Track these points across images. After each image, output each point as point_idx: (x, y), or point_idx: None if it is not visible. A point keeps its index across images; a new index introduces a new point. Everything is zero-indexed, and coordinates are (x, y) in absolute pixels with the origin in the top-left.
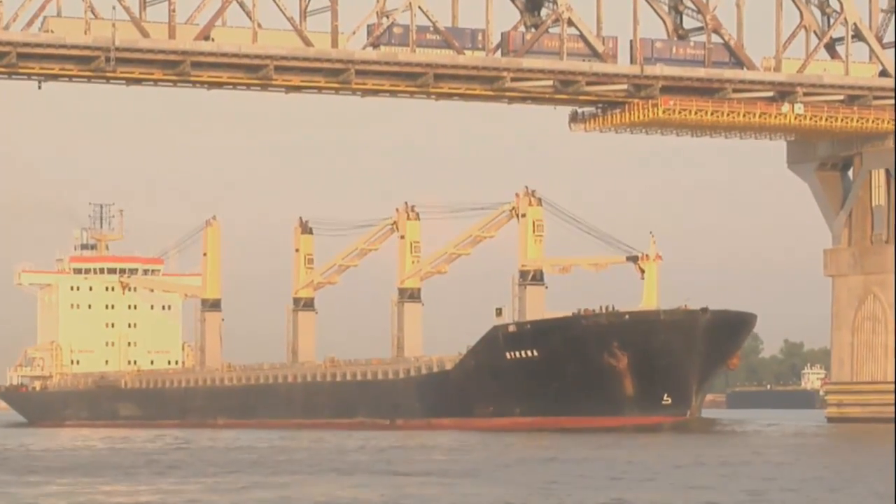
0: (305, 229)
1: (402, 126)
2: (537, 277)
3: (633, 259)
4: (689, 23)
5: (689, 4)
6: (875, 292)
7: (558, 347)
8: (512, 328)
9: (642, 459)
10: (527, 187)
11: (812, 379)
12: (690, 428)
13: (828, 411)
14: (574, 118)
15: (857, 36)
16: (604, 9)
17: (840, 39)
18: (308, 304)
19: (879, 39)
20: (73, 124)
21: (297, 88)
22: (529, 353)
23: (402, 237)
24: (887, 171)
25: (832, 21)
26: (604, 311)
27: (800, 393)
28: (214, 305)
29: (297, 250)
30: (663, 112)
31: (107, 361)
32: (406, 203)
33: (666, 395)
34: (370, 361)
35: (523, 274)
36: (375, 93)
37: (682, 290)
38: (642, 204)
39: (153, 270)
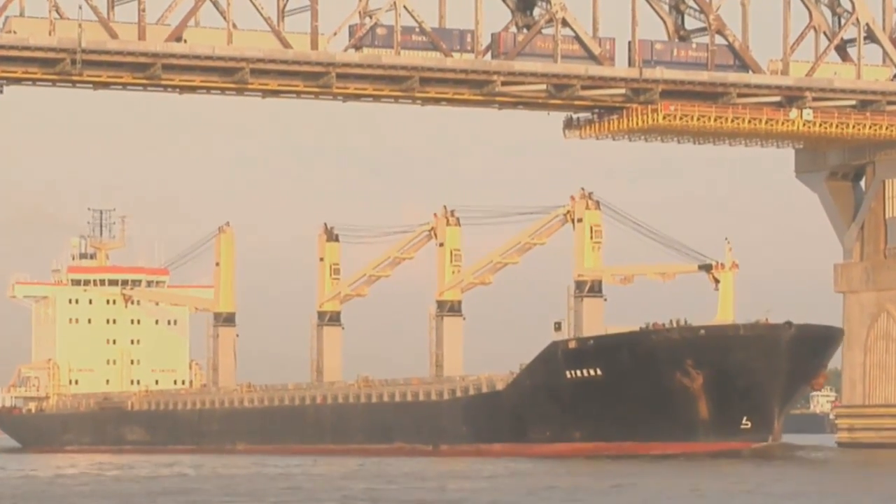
0: (331, 237)
1: (387, 132)
2: (595, 288)
3: (706, 268)
4: (690, 23)
5: (691, 4)
6: (889, 309)
7: (625, 366)
8: (573, 344)
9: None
10: (583, 189)
11: (822, 402)
12: (772, 455)
13: (838, 436)
14: (569, 124)
15: (870, 37)
16: (600, 8)
17: (852, 41)
18: (334, 319)
19: (894, 41)
20: (39, 130)
21: (275, 93)
22: (592, 371)
23: (441, 245)
24: None
25: (843, 21)
26: (675, 325)
27: (808, 416)
28: (228, 320)
29: (321, 259)
30: (663, 118)
31: (108, 381)
32: (445, 207)
33: (745, 419)
34: (409, 381)
35: (579, 285)
36: (357, 97)
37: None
38: (641, 215)
39: (158, 282)
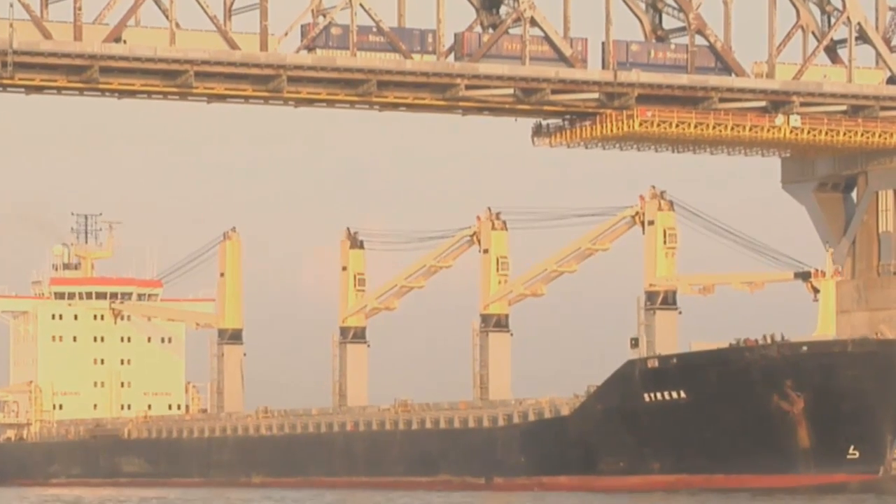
0: (355, 243)
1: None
2: (669, 300)
3: (804, 276)
4: (669, 23)
5: (670, 2)
6: (882, 331)
7: (714, 387)
8: (653, 363)
9: None
10: (653, 187)
11: None
12: (884, 489)
13: None
14: (538, 131)
15: (862, 38)
16: (572, 7)
17: (842, 42)
18: (359, 335)
19: (887, 41)
20: (11, 132)
21: (221, 97)
22: (675, 394)
23: (486, 251)
24: None
25: (833, 21)
26: (770, 340)
27: None
28: (235, 337)
29: (343, 268)
30: (640, 124)
31: (95, 406)
32: (489, 209)
33: (852, 448)
34: (456, 405)
35: (651, 296)
36: (310, 102)
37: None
38: None
39: (150, 295)
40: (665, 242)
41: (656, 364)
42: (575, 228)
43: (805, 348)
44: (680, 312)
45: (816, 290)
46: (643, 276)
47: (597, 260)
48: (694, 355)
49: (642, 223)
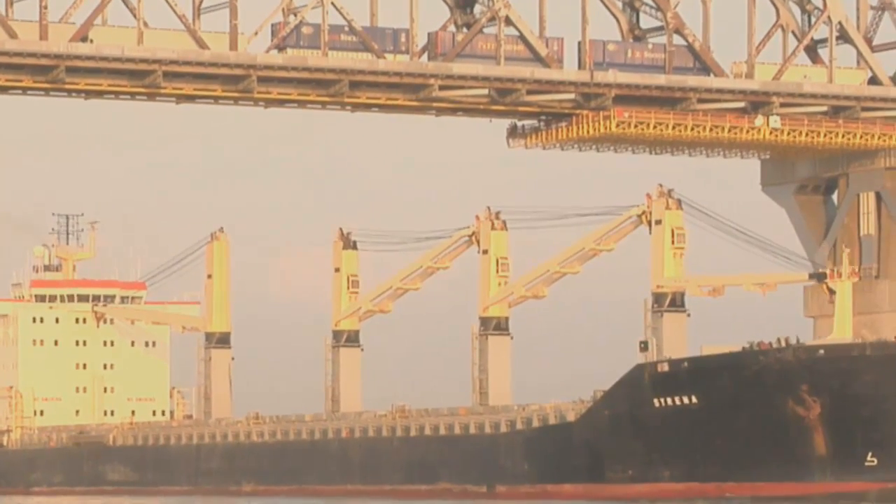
0: (348, 244)
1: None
2: (677, 302)
3: (820, 277)
4: (646, 22)
5: (647, 1)
6: (864, 336)
7: (727, 392)
8: (663, 367)
9: None
10: (660, 185)
11: None
12: None
13: None
14: (513, 132)
15: (843, 37)
16: (547, 6)
17: (823, 41)
18: (352, 339)
19: (868, 41)
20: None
21: (190, 98)
22: (686, 399)
23: (485, 252)
24: (877, 195)
25: (814, 20)
26: (784, 343)
27: None
28: (223, 341)
29: (336, 270)
30: (617, 125)
31: (77, 412)
32: (489, 209)
33: (870, 455)
34: (456, 411)
35: (658, 297)
36: (281, 103)
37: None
38: None
39: (134, 297)
40: (673, 242)
41: (667, 368)
42: (576, 229)
43: (822, 352)
44: (689, 315)
45: (832, 292)
46: (650, 278)
47: (601, 261)
48: (706, 359)
49: (649, 223)
